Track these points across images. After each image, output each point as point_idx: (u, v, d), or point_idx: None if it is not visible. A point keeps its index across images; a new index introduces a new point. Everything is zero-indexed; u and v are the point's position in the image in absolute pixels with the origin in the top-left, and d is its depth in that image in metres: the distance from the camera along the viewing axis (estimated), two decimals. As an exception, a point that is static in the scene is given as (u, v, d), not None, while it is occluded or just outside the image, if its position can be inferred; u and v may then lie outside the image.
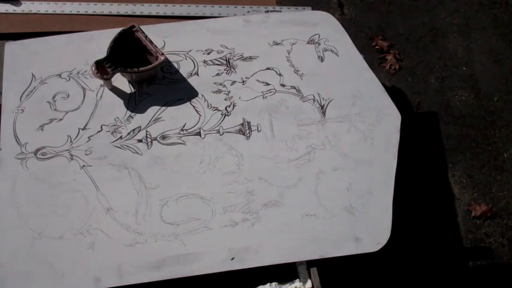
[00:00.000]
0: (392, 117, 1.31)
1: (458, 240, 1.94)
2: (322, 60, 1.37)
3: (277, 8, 1.58)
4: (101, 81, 1.27)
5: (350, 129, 1.29)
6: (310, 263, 1.20)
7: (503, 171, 2.06)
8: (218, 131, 1.27)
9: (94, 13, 1.53)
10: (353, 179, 1.24)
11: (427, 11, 2.33)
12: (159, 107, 1.28)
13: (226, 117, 1.28)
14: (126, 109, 1.27)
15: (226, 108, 1.29)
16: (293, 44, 1.38)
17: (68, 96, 1.28)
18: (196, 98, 1.30)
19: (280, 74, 1.34)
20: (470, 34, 2.29)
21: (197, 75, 1.33)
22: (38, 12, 1.51)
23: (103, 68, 1.18)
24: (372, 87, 1.34)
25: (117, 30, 1.23)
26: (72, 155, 1.22)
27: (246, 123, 1.28)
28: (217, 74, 1.33)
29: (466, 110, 2.15)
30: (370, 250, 1.19)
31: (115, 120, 1.26)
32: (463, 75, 2.21)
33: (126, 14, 1.53)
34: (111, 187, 1.20)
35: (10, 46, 1.34)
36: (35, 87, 1.29)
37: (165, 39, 1.35)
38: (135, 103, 1.28)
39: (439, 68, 2.22)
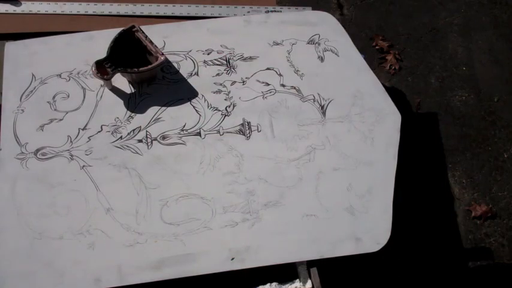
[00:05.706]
0: (393, 117, 1.31)
1: (458, 240, 1.94)
2: (322, 60, 1.37)
3: (277, 8, 1.58)
4: (101, 82, 1.27)
5: (350, 129, 1.29)
6: (310, 263, 1.20)
7: (503, 171, 2.06)
8: (218, 131, 1.27)
9: (94, 13, 1.53)
10: (353, 179, 1.24)
11: (427, 11, 2.33)
12: (159, 107, 1.28)
13: (226, 117, 1.28)
14: (126, 109, 1.27)
15: (226, 108, 1.29)
16: (293, 44, 1.38)
17: (68, 96, 1.28)
18: (197, 98, 1.30)
19: (280, 74, 1.34)
20: (470, 34, 2.29)
21: (197, 75, 1.33)
22: (38, 12, 1.51)
23: (103, 68, 1.18)
24: (372, 87, 1.34)
25: (117, 30, 1.23)
26: (72, 155, 1.22)
27: (246, 124, 1.28)
28: (217, 74, 1.33)
29: (466, 110, 2.15)
30: (370, 250, 1.19)
31: (115, 120, 1.26)
32: (463, 75, 2.21)
33: (126, 14, 1.53)
34: (111, 187, 1.20)
35: (10, 46, 1.34)
36: (35, 88, 1.29)
37: (165, 39, 1.35)
38: (135, 103, 1.28)
39: (439, 68, 2.22)
